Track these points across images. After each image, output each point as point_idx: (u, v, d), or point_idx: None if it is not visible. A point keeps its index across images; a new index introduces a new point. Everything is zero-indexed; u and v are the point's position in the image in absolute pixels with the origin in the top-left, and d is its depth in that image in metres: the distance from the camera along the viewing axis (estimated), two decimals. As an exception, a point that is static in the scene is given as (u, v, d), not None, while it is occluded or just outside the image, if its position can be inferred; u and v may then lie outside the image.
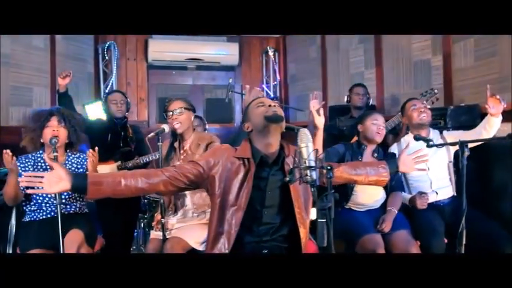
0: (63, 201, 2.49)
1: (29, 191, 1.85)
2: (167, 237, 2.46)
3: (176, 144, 2.64)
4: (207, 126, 4.13)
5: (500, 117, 2.59)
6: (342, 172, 1.97)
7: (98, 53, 5.13)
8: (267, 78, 5.75)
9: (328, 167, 1.50)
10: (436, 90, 3.15)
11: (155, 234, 2.60)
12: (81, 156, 2.63)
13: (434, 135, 2.78)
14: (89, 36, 5.00)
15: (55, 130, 2.49)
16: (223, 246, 1.79)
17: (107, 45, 5.14)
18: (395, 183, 2.67)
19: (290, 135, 2.02)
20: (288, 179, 1.59)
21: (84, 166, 2.60)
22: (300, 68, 5.44)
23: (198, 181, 1.83)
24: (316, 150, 1.52)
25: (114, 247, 2.99)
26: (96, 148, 2.52)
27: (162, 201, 2.53)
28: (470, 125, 2.85)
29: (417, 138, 2.52)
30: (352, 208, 2.68)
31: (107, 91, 4.89)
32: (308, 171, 1.49)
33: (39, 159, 2.54)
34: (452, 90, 3.59)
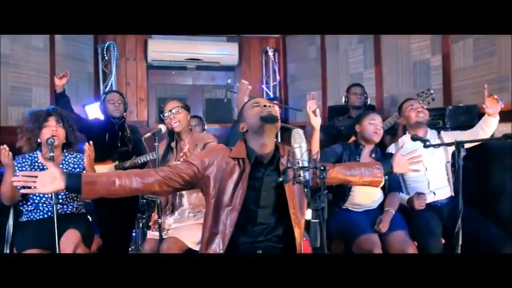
0: (60, 201, 2.49)
1: (24, 191, 1.85)
2: (164, 237, 2.47)
3: (173, 144, 2.65)
4: (206, 127, 4.14)
5: (498, 117, 2.58)
6: (337, 173, 1.96)
7: (98, 53, 5.13)
8: (266, 78, 5.75)
9: (322, 168, 1.49)
10: (432, 91, 3.14)
11: (152, 234, 2.60)
12: (78, 156, 2.63)
13: (432, 135, 2.77)
14: (89, 37, 5.00)
15: (54, 130, 2.49)
16: (217, 246, 1.78)
17: (106, 45, 5.14)
18: (393, 184, 2.66)
19: (290, 136, 2.01)
20: (281, 179, 1.59)
21: (81, 166, 2.60)
22: (299, 68, 5.43)
23: (192, 181, 1.82)
24: (310, 151, 1.52)
25: (111, 247, 2.99)
26: (91, 142, 2.53)
27: (159, 201, 2.53)
28: (468, 126, 2.83)
29: (414, 138, 2.52)
30: (350, 208, 2.68)
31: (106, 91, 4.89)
32: (301, 171, 1.48)
33: (36, 159, 2.54)
34: (451, 90, 3.59)
